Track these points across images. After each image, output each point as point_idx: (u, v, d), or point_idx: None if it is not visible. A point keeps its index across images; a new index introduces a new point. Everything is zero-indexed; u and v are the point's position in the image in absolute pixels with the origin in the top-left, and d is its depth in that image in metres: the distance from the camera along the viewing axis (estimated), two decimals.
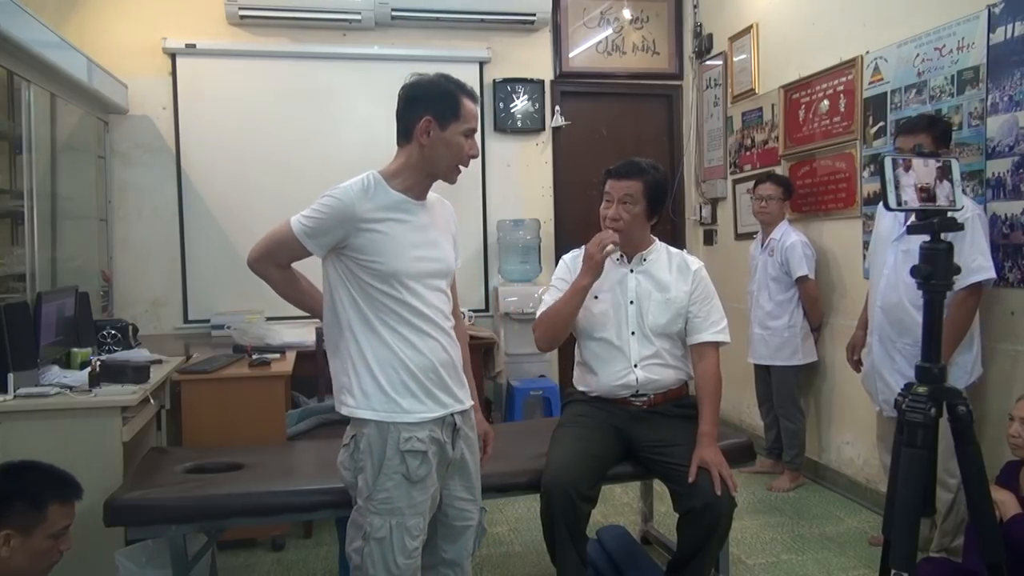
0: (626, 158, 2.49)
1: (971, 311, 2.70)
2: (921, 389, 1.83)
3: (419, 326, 1.88)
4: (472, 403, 2.05)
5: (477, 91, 2.00)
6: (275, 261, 1.98)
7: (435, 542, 1.99)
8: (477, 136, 1.98)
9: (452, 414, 1.93)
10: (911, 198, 1.73)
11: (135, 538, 2.39)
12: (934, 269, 1.77)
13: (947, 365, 2.69)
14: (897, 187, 1.71)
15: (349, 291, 1.88)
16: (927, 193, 1.74)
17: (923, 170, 1.74)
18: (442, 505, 1.98)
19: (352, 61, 4.73)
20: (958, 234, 2.63)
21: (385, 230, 1.85)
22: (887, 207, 1.75)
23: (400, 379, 1.85)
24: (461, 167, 1.96)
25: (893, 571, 1.72)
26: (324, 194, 1.89)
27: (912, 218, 2.75)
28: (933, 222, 1.76)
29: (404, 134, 1.95)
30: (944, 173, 1.76)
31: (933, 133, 2.73)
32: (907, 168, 1.72)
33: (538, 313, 2.54)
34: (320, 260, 1.95)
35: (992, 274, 2.65)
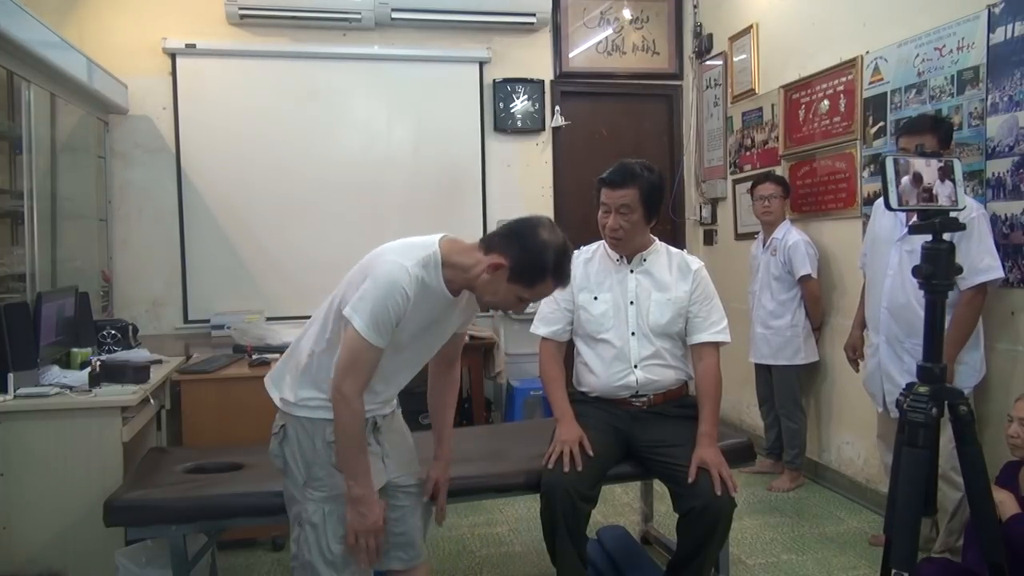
0: (619, 162, 2.43)
1: (977, 310, 2.71)
2: (922, 389, 1.83)
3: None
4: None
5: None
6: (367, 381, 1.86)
7: (386, 527, 1.97)
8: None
9: (374, 416, 1.96)
10: (912, 198, 1.73)
11: (135, 538, 2.39)
12: (935, 269, 1.77)
13: (955, 364, 2.71)
14: (899, 187, 1.71)
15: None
16: (928, 193, 1.73)
17: (925, 170, 1.73)
18: (384, 487, 1.99)
19: (352, 61, 4.73)
20: (964, 234, 2.65)
21: (412, 309, 1.82)
22: (888, 207, 1.74)
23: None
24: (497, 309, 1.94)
25: (894, 571, 1.72)
26: (388, 280, 1.77)
27: (914, 218, 2.77)
28: (935, 222, 1.76)
29: (488, 245, 1.85)
30: (946, 173, 1.75)
31: (937, 134, 2.73)
32: (908, 168, 1.72)
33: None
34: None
35: (1000, 273, 2.65)
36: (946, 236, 2.65)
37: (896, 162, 1.71)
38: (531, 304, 1.95)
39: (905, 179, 1.71)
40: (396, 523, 2.02)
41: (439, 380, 2.16)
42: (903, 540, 1.74)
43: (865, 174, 3.52)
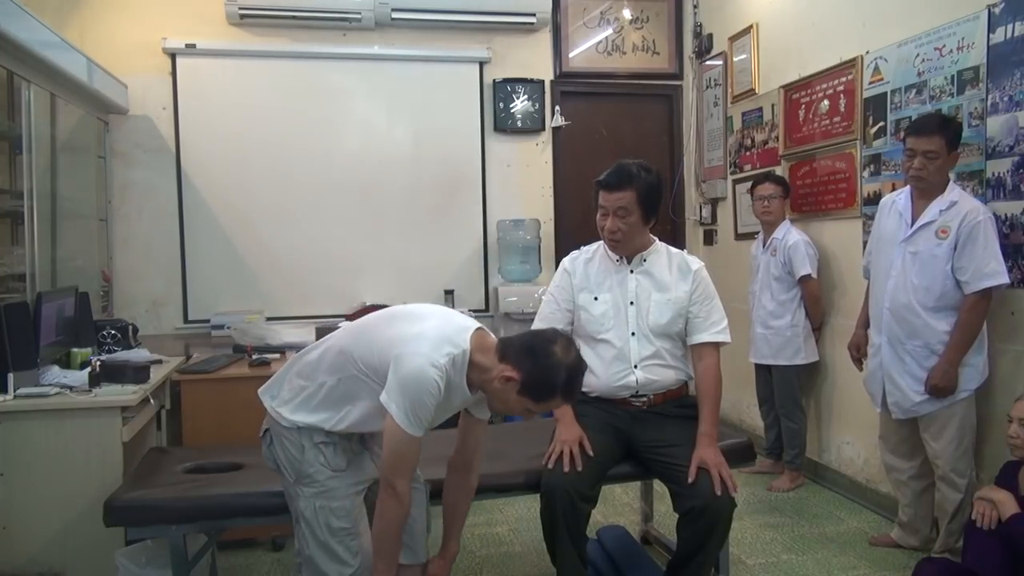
0: (616, 163, 2.42)
1: (982, 315, 2.70)
2: None
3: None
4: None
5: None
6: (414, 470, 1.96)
7: None
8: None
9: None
10: None
11: (135, 538, 2.39)
12: None
13: (959, 367, 2.71)
14: None
15: (359, 386, 1.94)
16: None
17: None
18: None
19: (352, 61, 4.72)
20: (970, 238, 2.65)
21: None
22: None
23: (326, 432, 1.99)
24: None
25: None
26: (419, 378, 1.80)
27: (920, 221, 2.76)
28: None
29: (502, 353, 1.89)
30: None
31: (946, 135, 2.71)
32: None
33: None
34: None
35: (1006, 279, 2.64)
36: (951, 240, 2.67)
37: None
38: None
39: None
40: None
41: (456, 481, 2.16)
42: None
43: (865, 174, 3.52)
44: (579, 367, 1.91)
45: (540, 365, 1.84)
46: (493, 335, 1.97)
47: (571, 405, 1.93)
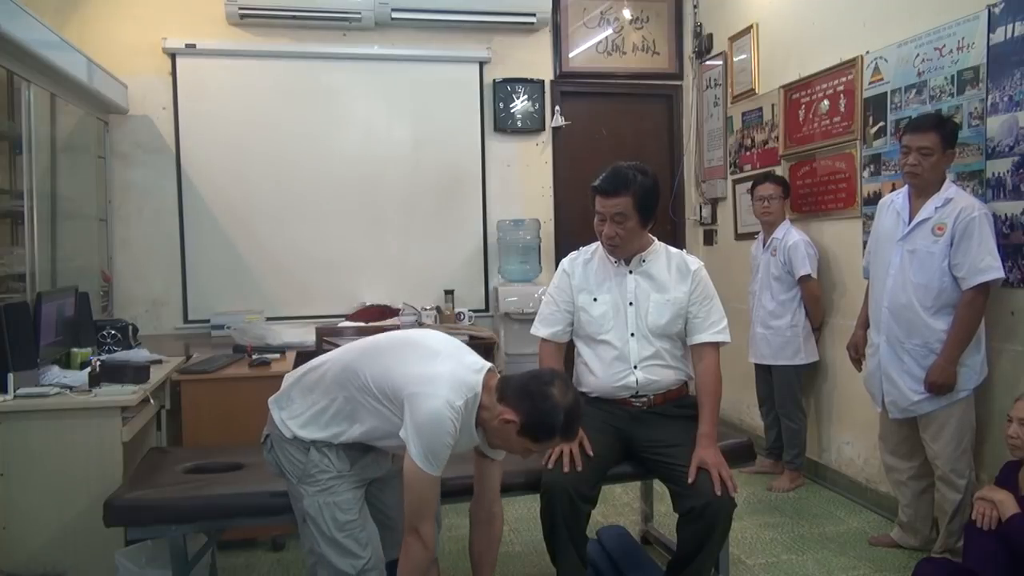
0: (611, 167, 2.39)
1: (979, 311, 2.70)
2: None
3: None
4: None
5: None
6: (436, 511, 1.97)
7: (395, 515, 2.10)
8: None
9: None
10: None
11: (135, 538, 2.39)
12: None
13: (957, 366, 2.71)
14: None
15: (367, 404, 1.96)
16: None
17: None
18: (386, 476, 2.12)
19: (352, 61, 4.72)
20: (965, 233, 2.65)
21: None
22: None
23: (330, 444, 2.02)
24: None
25: None
26: (436, 419, 1.83)
27: (917, 219, 2.77)
28: None
29: (501, 394, 1.92)
30: None
31: (941, 133, 2.73)
32: None
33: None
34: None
35: (1001, 274, 2.65)
36: (947, 237, 2.67)
37: None
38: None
39: None
40: (402, 508, 2.06)
41: (481, 533, 2.16)
42: None
43: (865, 174, 3.52)
44: (577, 408, 1.93)
45: (538, 408, 1.88)
46: (497, 373, 2.00)
47: (570, 442, 2.03)
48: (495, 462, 2.10)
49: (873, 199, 3.39)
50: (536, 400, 1.88)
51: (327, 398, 2.00)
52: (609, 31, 5.10)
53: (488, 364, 1.99)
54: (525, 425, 1.88)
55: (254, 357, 3.48)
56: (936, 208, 2.75)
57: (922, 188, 2.80)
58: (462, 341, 2.16)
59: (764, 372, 3.95)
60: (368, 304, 4.60)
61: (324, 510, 1.97)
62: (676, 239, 5.09)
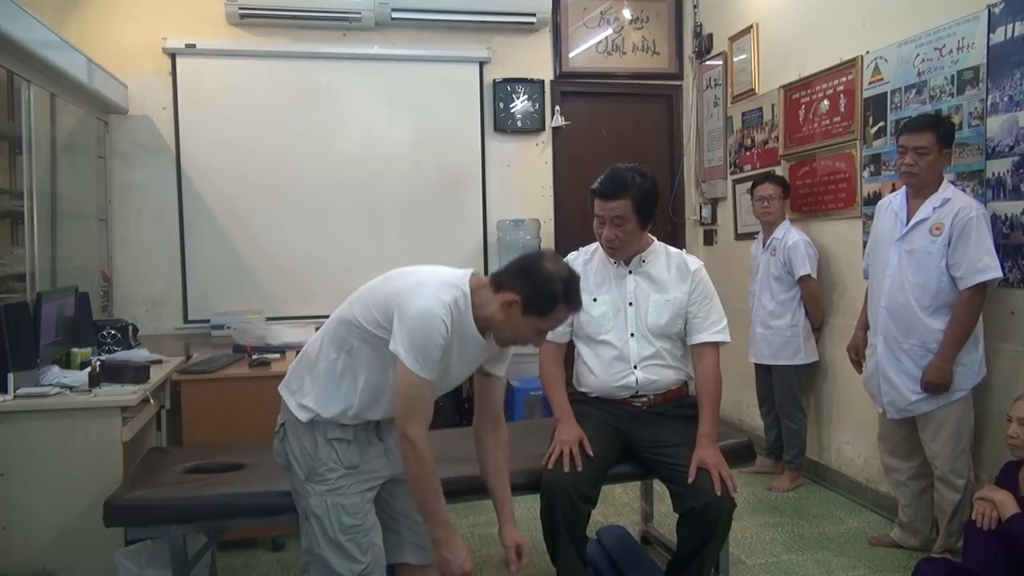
0: (610, 169, 2.40)
1: (977, 310, 2.71)
2: None
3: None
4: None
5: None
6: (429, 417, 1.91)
7: (399, 518, 2.09)
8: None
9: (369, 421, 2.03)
10: None
11: (135, 538, 2.39)
12: None
13: (954, 366, 2.71)
14: None
15: (365, 346, 1.93)
16: None
17: None
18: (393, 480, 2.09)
19: (352, 61, 4.72)
20: (963, 233, 2.66)
21: (446, 354, 1.88)
22: None
23: (343, 410, 1.97)
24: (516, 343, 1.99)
25: None
26: (427, 314, 1.82)
27: (914, 219, 2.78)
28: None
29: (497, 284, 1.91)
30: None
31: (937, 133, 2.73)
32: None
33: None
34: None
35: (999, 273, 2.65)
36: (945, 237, 2.68)
37: None
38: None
39: None
40: (409, 515, 2.07)
41: (487, 441, 2.13)
42: None
43: (865, 174, 3.52)
44: (573, 275, 1.93)
45: (536, 280, 1.87)
46: (482, 276, 1.99)
47: (574, 310, 1.95)
48: (499, 380, 2.09)
49: (873, 199, 3.39)
50: (532, 274, 1.88)
51: (327, 360, 1.97)
52: (609, 31, 5.11)
53: (471, 269, 1.99)
54: (528, 302, 1.86)
55: (254, 357, 3.48)
56: (934, 208, 2.75)
57: (919, 188, 2.80)
58: None
59: (764, 372, 3.95)
60: None
61: (331, 511, 1.95)
62: (676, 239, 5.09)
